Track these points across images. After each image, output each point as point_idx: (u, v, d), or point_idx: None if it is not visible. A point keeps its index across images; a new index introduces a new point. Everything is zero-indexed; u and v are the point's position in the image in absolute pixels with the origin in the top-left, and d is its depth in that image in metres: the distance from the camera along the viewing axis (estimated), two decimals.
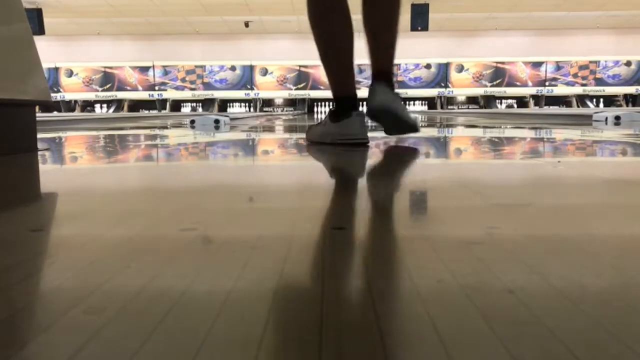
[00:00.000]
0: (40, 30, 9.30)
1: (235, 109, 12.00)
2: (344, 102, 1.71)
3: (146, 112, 11.68)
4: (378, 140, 2.20)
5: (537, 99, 11.73)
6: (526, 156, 1.71)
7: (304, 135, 2.66)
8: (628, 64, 11.63)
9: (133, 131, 3.61)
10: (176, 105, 12.04)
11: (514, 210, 0.71)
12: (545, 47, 11.74)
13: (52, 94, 10.65)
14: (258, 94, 11.51)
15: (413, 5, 9.60)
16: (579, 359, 0.28)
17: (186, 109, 12.06)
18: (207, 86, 11.77)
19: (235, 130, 3.39)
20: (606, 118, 3.80)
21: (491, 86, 11.66)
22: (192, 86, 11.82)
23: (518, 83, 11.71)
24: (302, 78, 11.47)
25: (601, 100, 11.92)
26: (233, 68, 11.67)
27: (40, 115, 4.06)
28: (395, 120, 1.72)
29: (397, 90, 1.74)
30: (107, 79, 11.80)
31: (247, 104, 12.05)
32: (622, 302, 0.37)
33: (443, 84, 11.65)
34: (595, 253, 0.49)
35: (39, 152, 1.69)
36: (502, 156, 1.69)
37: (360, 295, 0.38)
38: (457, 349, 0.29)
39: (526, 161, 1.54)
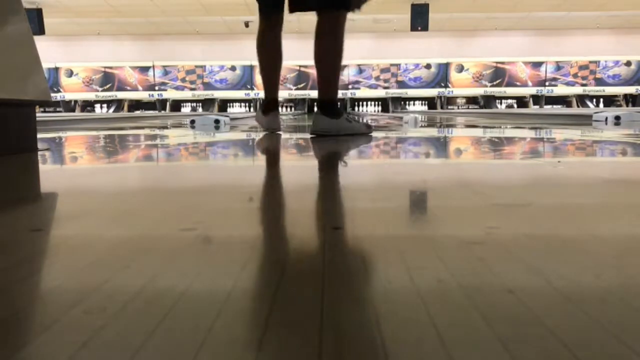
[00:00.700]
0: (40, 30, 9.30)
1: (235, 109, 12.00)
2: (269, 100, 2.51)
3: (146, 112, 11.68)
4: (378, 141, 2.20)
5: (537, 99, 11.73)
6: (526, 156, 1.71)
7: (304, 135, 2.66)
8: (628, 64, 11.63)
9: (133, 131, 3.61)
10: (176, 105, 12.04)
11: (514, 210, 0.71)
12: (545, 47, 11.74)
13: (52, 94, 10.65)
14: (258, 94, 11.50)
15: (413, 5, 9.60)
16: (579, 359, 0.28)
17: (186, 109, 12.06)
18: (207, 86, 11.77)
19: (235, 130, 3.39)
20: (606, 118, 3.80)
21: (491, 86, 11.65)
22: (192, 86, 11.82)
23: (518, 83, 11.70)
24: (302, 78, 11.47)
25: (601, 100, 11.92)
26: (233, 68, 11.67)
27: (40, 115, 4.06)
28: (333, 137, 2.22)
29: (347, 117, 2.35)
30: (107, 79, 11.80)
31: (247, 104, 12.05)
32: (622, 302, 0.37)
33: (443, 84, 11.64)
34: (595, 253, 0.49)
35: (39, 152, 1.69)
36: (502, 156, 1.69)
37: (360, 296, 0.38)
38: (457, 349, 0.29)
39: (526, 161, 1.54)
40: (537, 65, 11.65)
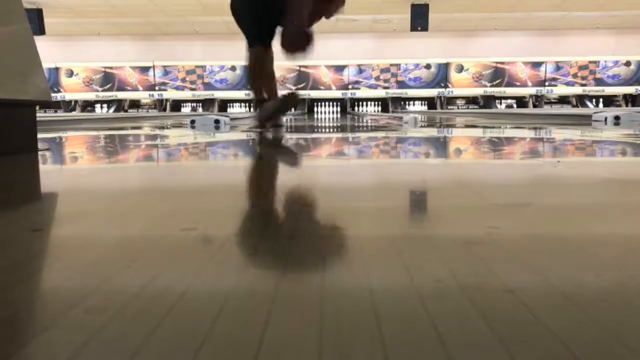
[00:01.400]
0: (40, 30, 9.29)
1: (236, 109, 11.99)
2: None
3: (145, 112, 11.68)
4: (378, 140, 2.20)
5: (537, 99, 11.73)
6: (526, 156, 1.71)
7: (304, 135, 2.66)
8: (628, 64, 11.62)
9: (133, 131, 3.61)
10: (176, 105, 12.03)
11: (514, 210, 0.71)
12: (545, 47, 11.72)
13: (53, 94, 10.64)
14: None
15: (413, 5, 9.59)
16: (579, 359, 0.28)
17: (186, 109, 12.05)
18: (207, 86, 11.75)
19: (236, 131, 3.39)
20: (606, 118, 3.80)
21: (491, 86, 11.64)
22: (192, 86, 11.80)
23: (518, 83, 11.69)
24: (302, 78, 11.46)
25: (601, 100, 11.91)
26: (233, 68, 11.65)
27: (40, 115, 4.05)
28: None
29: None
30: (108, 79, 11.78)
31: (247, 104, 12.04)
32: (622, 302, 0.37)
33: (443, 84, 11.63)
34: (595, 253, 0.49)
35: (39, 152, 1.69)
36: (502, 156, 1.69)
37: (361, 295, 0.38)
38: (457, 349, 0.29)
39: (526, 161, 1.54)
40: (536, 65, 11.64)
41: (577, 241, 0.55)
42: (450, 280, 0.41)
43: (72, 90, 11.75)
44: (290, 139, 2.58)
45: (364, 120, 5.47)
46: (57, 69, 11.55)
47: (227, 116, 4.75)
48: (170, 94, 11.87)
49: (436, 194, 0.90)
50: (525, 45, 11.79)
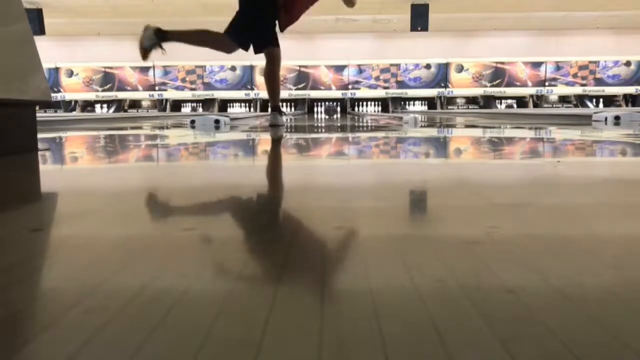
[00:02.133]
0: (40, 30, 9.29)
1: (236, 109, 11.98)
2: (275, 107, 3.48)
3: (146, 111, 11.68)
4: (378, 140, 2.20)
5: (537, 99, 11.73)
6: (526, 156, 1.71)
7: (305, 135, 2.66)
8: (628, 64, 11.61)
9: (133, 131, 3.61)
10: (176, 105, 12.02)
11: (514, 210, 0.71)
12: (545, 47, 11.72)
13: (53, 94, 10.64)
14: (258, 94, 11.49)
15: (413, 6, 9.59)
16: (578, 359, 0.28)
17: (186, 109, 12.05)
18: (207, 86, 11.75)
19: (236, 131, 3.39)
20: (606, 118, 3.80)
21: (491, 86, 11.64)
22: (193, 86, 11.80)
23: (518, 83, 11.69)
24: (302, 78, 11.46)
25: (601, 100, 11.91)
26: (233, 68, 11.65)
27: (40, 115, 4.05)
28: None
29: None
30: (108, 79, 11.78)
31: (247, 104, 12.04)
32: (622, 302, 0.37)
33: (443, 84, 11.63)
34: (595, 253, 0.49)
35: (39, 152, 1.69)
36: (502, 156, 1.69)
37: (361, 295, 0.38)
38: (457, 349, 0.29)
39: (526, 161, 1.54)
40: (536, 65, 11.64)
41: (577, 241, 0.55)
42: (450, 280, 0.41)
43: (72, 90, 11.75)
44: (290, 139, 2.58)
45: (364, 120, 5.47)
46: (57, 69, 11.55)
47: (227, 116, 4.74)
48: (170, 94, 11.87)
49: (436, 194, 0.90)
50: (525, 45, 11.79)
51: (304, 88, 11.51)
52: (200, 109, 11.72)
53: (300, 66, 11.34)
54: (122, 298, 0.38)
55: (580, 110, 8.09)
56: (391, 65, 11.56)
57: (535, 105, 11.69)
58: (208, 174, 1.29)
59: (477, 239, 0.54)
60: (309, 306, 0.36)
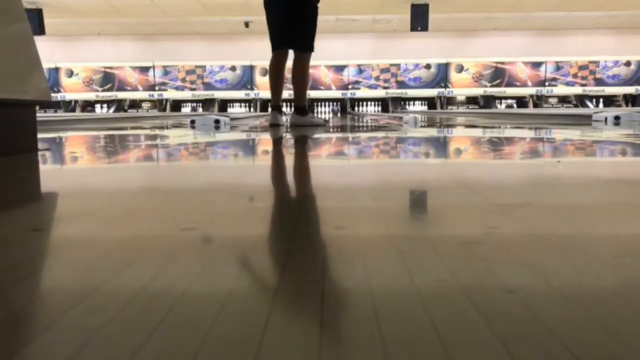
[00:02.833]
0: (40, 30, 9.29)
1: (236, 109, 11.98)
2: (272, 106, 3.64)
3: (146, 111, 11.67)
4: (378, 140, 2.20)
5: (538, 99, 11.73)
6: (526, 156, 1.71)
7: (307, 134, 2.66)
8: (628, 64, 11.61)
9: (133, 131, 3.61)
10: (176, 105, 12.02)
11: (514, 210, 0.71)
12: (545, 47, 11.72)
13: (52, 94, 10.64)
14: (258, 94, 11.49)
15: (413, 5, 9.59)
16: (578, 359, 0.28)
17: (186, 109, 12.05)
18: (207, 86, 11.75)
19: (236, 131, 3.39)
20: (606, 118, 3.80)
21: (491, 86, 11.64)
22: (192, 86, 11.80)
23: (518, 83, 11.69)
24: None
25: (601, 100, 11.91)
26: (233, 68, 11.65)
27: (40, 115, 4.05)
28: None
29: (310, 115, 3.76)
30: (107, 79, 11.78)
31: (247, 104, 12.04)
32: (622, 302, 0.37)
33: (443, 84, 11.63)
34: (595, 253, 0.49)
35: (39, 152, 1.69)
36: (502, 156, 1.70)
37: (361, 295, 0.38)
38: (457, 349, 0.29)
39: (526, 161, 1.54)
40: (536, 65, 11.63)
41: (577, 241, 0.55)
42: (450, 280, 0.41)
43: (72, 90, 11.75)
44: (290, 138, 2.58)
45: (364, 120, 5.47)
46: (57, 69, 11.55)
47: (227, 116, 4.74)
48: (170, 94, 11.87)
49: (436, 194, 0.90)
50: (525, 45, 11.79)
51: None
52: (200, 109, 11.72)
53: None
54: (122, 298, 0.38)
55: (580, 110, 8.09)
56: (391, 65, 11.55)
57: (535, 105, 11.69)
58: (208, 174, 1.29)
59: (477, 239, 0.54)
60: (309, 306, 0.36)
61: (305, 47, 3.43)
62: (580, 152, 1.80)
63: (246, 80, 11.68)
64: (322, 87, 11.53)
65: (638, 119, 3.87)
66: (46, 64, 8.58)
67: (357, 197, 0.88)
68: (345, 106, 11.56)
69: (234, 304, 0.37)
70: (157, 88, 11.81)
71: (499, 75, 11.66)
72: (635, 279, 0.43)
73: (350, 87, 11.56)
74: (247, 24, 10.34)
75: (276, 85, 3.60)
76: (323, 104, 11.74)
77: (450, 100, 11.88)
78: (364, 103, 11.87)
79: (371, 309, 0.35)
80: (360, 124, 4.52)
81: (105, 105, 12.04)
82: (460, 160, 1.66)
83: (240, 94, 11.78)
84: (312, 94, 11.44)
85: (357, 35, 11.60)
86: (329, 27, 10.67)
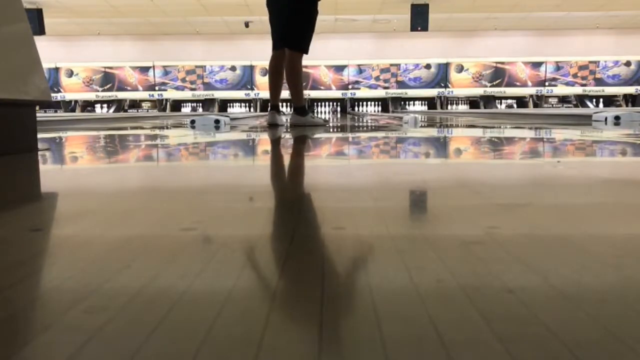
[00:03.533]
0: (40, 30, 9.29)
1: (236, 109, 11.98)
2: (271, 106, 3.67)
3: (146, 111, 11.67)
4: (378, 140, 2.20)
5: (538, 99, 11.73)
6: (526, 156, 1.71)
7: (307, 134, 2.66)
8: (628, 64, 11.61)
9: (133, 131, 3.61)
10: (176, 105, 12.02)
11: (514, 210, 0.71)
12: (545, 47, 11.72)
13: (52, 94, 10.64)
14: (258, 94, 11.49)
15: (413, 5, 9.59)
16: (578, 359, 0.28)
17: (186, 109, 12.05)
18: (207, 86, 11.75)
19: (236, 131, 3.39)
20: (606, 118, 3.80)
21: (491, 86, 11.64)
22: (192, 86, 11.80)
23: (518, 83, 11.69)
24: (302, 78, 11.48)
25: (601, 100, 11.91)
26: (233, 68, 11.65)
27: (40, 115, 4.05)
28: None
29: (311, 115, 3.84)
30: (108, 79, 11.78)
31: (247, 104, 12.04)
32: (622, 302, 0.37)
33: (443, 84, 11.63)
34: (595, 253, 0.49)
35: (39, 152, 1.69)
36: (501, 156, 1.70)
37: (361, 296, 0.38)
38: (457, 349, 0.29)
39: (526, 161, 1.54)
40: (536, 65, 11.64)
41: (577, 241, 0.55)
42: (450, 280, 0.41)
43: (72, 90, 11.75)
44: (290, 139, 2.58)
45: (364, 120, 5.47)
46: (57, 69, 11.55)
47: (227, 116, 4.74)
48: (170, 94, 11.87)
49: (436, 194, 0.90)
50: (525, 45, 11.79)
51: (303, 88, 11.51)
52: (200, 109, 11.72)
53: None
54: (122, 298, 0.38)
55: (580, 110, 8.09)
56: (391, 65, 11.55)
57: (536, 105, 11.69)
58: (208, 174, 1.29)
59: (477, 239, 0.54)
60: (309, 306, 0.36)
61: (297, 47, 3.45)
62: (580, 152, 1.80)
63: (246, 80, 11.68)
64: (322, 87, 11.53)
65: (638, 119, 3.87)
66: (46, 64, 8.59)
67: (357, 197, 0.88)
68: (345, 106, 11.56)
69: (234, 304, 0.37)
70: (157, 88, 11.81)
71: (499, 75, 11.66)
72: (635, 279, 0.43)
73: (350, 87, 11.56)
74: (247, 24, 10.34)
75: (275, 85, 3.63)
76: (323, 104, 11.74)
77: (450, 100, 11.89)
78: (364, 103, 11.87)
79: (371, 308, 0.35)
80: (360, 124, 4.52)
81: (105, 105, 12.04)
82: (460, 160, 1.66)
83: (240, 94, 11.78)
84: (312, 94, 11.45)
85: (357, 35, 11.60)
86: (329, 27, 10.67)
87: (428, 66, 11.62)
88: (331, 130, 3.43)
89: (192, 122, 4.15)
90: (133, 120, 6.67)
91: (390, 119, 5.45)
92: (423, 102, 11.97)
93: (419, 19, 9.69)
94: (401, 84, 11.62)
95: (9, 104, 1.57)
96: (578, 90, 11.71)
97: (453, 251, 0.50)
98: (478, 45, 11.83)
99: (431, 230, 0.63)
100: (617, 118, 3.77)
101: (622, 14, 10.52)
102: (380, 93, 11.63)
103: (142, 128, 4.12)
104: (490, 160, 1.54)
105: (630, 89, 11.75)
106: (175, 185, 1.09)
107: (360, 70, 11.55)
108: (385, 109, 11.51)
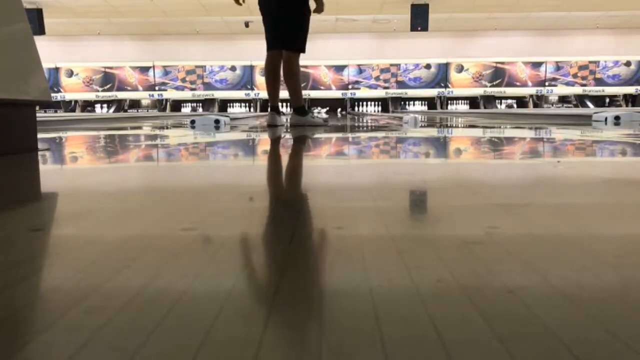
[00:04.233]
0: (40, 30, 9.29)
1: (236, 109, 11.98)
2: (270, 107, 3.66)
3: (146, 111, 11.67)
4: (378, 140, 2.20)
5: (538, 99, 11.73)
6: (526, 156, 1.71)
7: (308, 134, 2.66)
8: (628, 64, 11.61)
9: (133, 131, 3.61)
10: (176, 105, 12.03)
11: (514, 210, 0.71)
12: (545, 47, 11.72)
13: (52, 94, 10.64)
14: (258, 94, 11.50)
15: (413, 5, 9.60)
16: (578, 359, 0.28)
17: (186, 109, 12.05)
18: (207, 86, 11.75)
19: (236, 131, 3.39)
20: (606, 118, 3.80)
21: (491, 86, 11.65)
22: (192, 86, 11.81)
23: (518, 83, 11.70)
24: (301, 78, 11.48)
25: (606, 99, 11.91)
26: (233, 68, 11.65)
27: (40, 115, 4.05)
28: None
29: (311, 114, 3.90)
30: (107, 79, 11.78)
31: (247, 104, 12.05)
32: (622, 302, 0.37)
33: (443, 84, 11.64)
34: (595, 253, 0.49)
35: (39, 152, 1.69)
36: (502, 156, 1.70)
37: (360, 295, 0.38)
38: (457, 349, 0.29)
39: (526, 161, 1.54)
40: (536, 65, 11.64)
41: (577, 241, 0.55)
42: (450, 280, 0.41)
43: (72, 90, 11.75)
44: (289, 139, 2.58)
45: (364, 120, 5.47)
46: (57, 69, 11.55)
47: (227, 116, 4.75)
48: (170, 94, 11.87)
49: (436, 194, 0.90)
50: (525, 45, 11.80)
51: (303, 88, 11.48)
52: (200, 109, 11.72)
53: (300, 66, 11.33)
54: (122, 298, 0.38)
55: (580, 110, 8.09)
56: (391, 65, 11.56)
57: (536, 105, 11.69)
58: (208, 174, 1.29)
59: (477, 239, 0.54)
60: (309, 306, 0.36)
61: (295, 48, 3.48)
62: (580, 152, 1.80)
63: (246, 80, 11.68)
64: (322, 87, 11.53)
65: (638, 119, 3.87)
66: (46, 64, 8.59)
67: (356, 196, 0.88)
68: (345, 106, 11.56)
69: (234, 304, 0.37)
70: (157, 88, 11.81)
71: (499, 75, 11.66)
72: (635, 279, 0.43)
73: (350, 87, 11.56)
74: (247, 24, 10.35)
75: (272, 86, 3.63)
76: (323, 104, 11.75)
77: (450, 100, 11.89)
78: (364, 103, 11.87)
79: (371, 308, 0.35)
80: (360, 124, 4.52)
81: (105, 105, 12.04)
82: (460, 160, 1.66)
83: (240, 94, 11.79)
84: (312, 94, 11.46)
85: (357, 35, 11.60)
86: (329, 27, 10.68)
87: (428, 66, 11.62)
88: (331, 130, 3.43)
89: (192, 122, 4.15)
90: (133, 120, 6.67)
91: (390, 119, 5.45)
92: (423, 102, 11.97)
93: (419, 19, 9.69)
94: (401, 84, 11.63)
95: (9, 104, 1.57)
96: (578, 90, 11.71)
97: (453, 251, 0.50)
98: (478, 45, 11.83)
99: (431, 230, 0.63)
100: (617, 118, 3.77)
101: (622, 14, 10.52)
102: (380, 93, 11.63)
103: (142, 128, 4.12)
104: (490, 160, 1.54)
105: (630, 89, 11.75)
106: (175, 185, 1.09)
107: (360, 70, 11.55)
108: (385, 109, 11.52)
